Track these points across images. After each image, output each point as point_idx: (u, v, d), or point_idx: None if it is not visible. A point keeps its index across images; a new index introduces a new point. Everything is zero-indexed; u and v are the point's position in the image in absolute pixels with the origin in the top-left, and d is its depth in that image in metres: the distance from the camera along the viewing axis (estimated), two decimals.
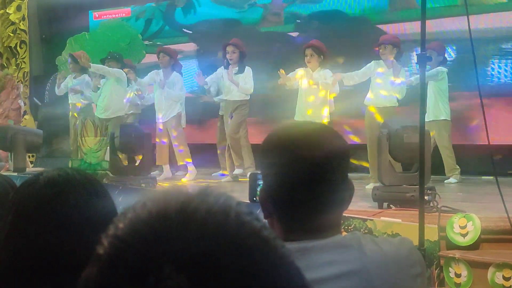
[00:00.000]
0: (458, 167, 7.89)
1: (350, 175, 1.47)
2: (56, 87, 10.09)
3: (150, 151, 7.86)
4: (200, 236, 0.56)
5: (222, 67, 8.64)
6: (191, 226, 0.57)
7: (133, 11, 12.19)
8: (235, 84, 8.42)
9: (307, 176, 1.38)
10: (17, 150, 8.80)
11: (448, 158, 7.84)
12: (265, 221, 1.44)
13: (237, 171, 8.46)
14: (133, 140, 7.57)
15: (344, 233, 1.47)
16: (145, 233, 0.57)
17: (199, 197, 0.60)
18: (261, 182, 1.49)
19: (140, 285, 0.55)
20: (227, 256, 0.56)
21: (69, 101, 9.92)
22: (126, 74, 9.15)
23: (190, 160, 8.83)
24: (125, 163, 7.92)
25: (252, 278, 0.56)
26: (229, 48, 8.49)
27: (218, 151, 8.97)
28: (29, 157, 10.49)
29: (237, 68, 8.46)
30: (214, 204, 0.60)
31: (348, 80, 7.73)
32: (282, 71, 7.82)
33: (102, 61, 9.47)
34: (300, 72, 7.87)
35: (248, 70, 8.50)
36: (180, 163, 8.98)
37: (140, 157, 7.78)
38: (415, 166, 5.34)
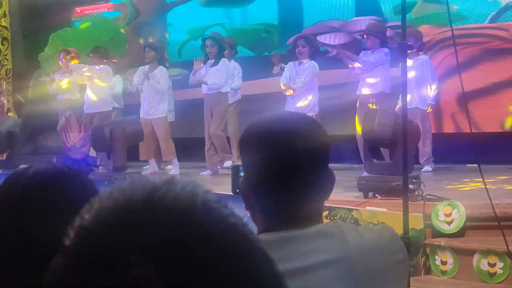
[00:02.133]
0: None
1: (335, 165, 1.48)
2: (48, 86, 10.07)
3: (122, 147, 7.74)
4: (167, 224, 0.56)
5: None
6: (157, 214, 0.57)
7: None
8: (204, 83, 8.45)
9: (287, 166, 1.38)
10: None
11: (429, 146, 7.91)
12: (247, 212, 1.45)
13: (226, 163, 8.46)
14: (105, 138, 7.52)
15: (326, 221, 1.48)
16: (111, 222, 0.57)
17: (166, 186, 0.60)
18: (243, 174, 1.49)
19: (107, 275, 0.54)
20: (194, 243, 0.56)
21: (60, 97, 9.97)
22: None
23: (174, 157, 8.88)
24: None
25: (220, 264, 0.56)
26: (208, 42, 8.49)
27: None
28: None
29: (213, 61, 8.45)
30: (180, 192, 0.59)
31: None
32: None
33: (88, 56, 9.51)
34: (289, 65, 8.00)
35: (223, 62, 8.46)
36: (165, 159, 9.07)
37: None
38: (397, 154, 5.39)
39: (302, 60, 7.84)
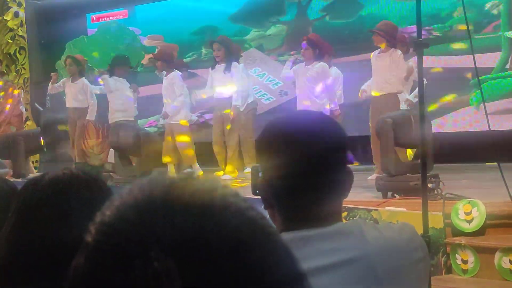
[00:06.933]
0: None
1: (354, 167, 1.47)
2: (50, 84, 9.83)
3: (150, 149, 7.82)
4: (185, 218, 0.57)
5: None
6: (176, 209, 0.58)
7: None
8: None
9: (306, 165, 1.39)
10: (17, 156, 8.60)
11: None
12: (266, 211, 1.45)
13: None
14: (129, 139, 7.56)
15: (345, 221, 1.48)
16: (131, 218, 0.58)
17: (184, 181, 0.61)
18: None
19: (127, 269, 0.55)
20: (213, 236, 0.56)
21: (69, 105, 9.84)
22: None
23: (195, 163, 8.82)
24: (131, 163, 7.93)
25: (239, 257, 0.57)
26: (215, 46, 8.46)
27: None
28: (32, 162, 10.51)
29: (223, 65, 8.42)
30: (199, 187, 0.61)
31: None
32: None
33: (110, 66, 9.24)
34: (293, 66, 7.97)
35: (235, 66, 8.45)
36: (186, 165, 8.96)
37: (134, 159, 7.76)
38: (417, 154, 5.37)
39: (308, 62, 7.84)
